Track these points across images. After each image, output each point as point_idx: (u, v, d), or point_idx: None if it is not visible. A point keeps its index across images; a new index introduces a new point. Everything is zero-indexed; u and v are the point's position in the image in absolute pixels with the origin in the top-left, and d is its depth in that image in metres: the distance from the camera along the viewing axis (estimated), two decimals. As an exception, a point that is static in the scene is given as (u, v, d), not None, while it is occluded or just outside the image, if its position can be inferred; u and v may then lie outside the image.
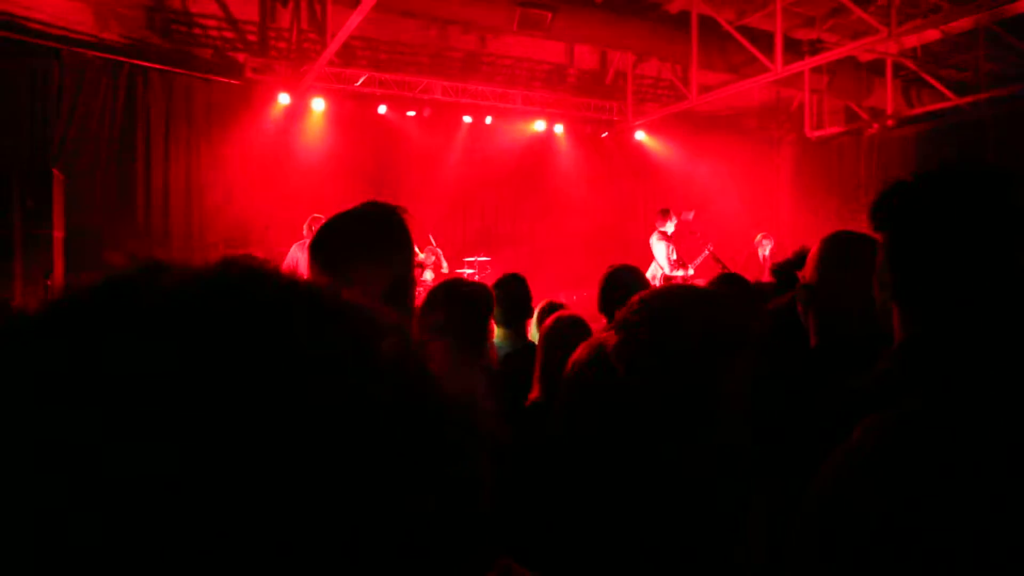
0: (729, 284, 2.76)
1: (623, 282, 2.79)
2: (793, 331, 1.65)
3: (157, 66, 7.93)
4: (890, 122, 10.26)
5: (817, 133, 10.96)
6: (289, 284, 0.38)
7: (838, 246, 1.57)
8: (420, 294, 6.54)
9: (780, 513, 1.08)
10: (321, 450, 0.33)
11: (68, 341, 0.31)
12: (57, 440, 0.28)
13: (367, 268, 1.37)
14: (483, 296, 2.33)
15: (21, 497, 0.27)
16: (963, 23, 8.26)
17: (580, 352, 1.42)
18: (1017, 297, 0.90)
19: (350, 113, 9.22)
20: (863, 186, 10.52)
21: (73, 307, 0.32)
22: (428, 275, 8.36)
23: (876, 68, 10.20)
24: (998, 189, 0.94)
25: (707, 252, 7.65)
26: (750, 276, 3.33)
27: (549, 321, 2.38)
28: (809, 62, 8.22)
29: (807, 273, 1.58)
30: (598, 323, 2.71)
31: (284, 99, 8.63)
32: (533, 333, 3.24)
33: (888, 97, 10.07)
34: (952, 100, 9.65)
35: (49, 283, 6.00)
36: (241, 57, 8.47)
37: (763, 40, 8.12)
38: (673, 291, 1.32)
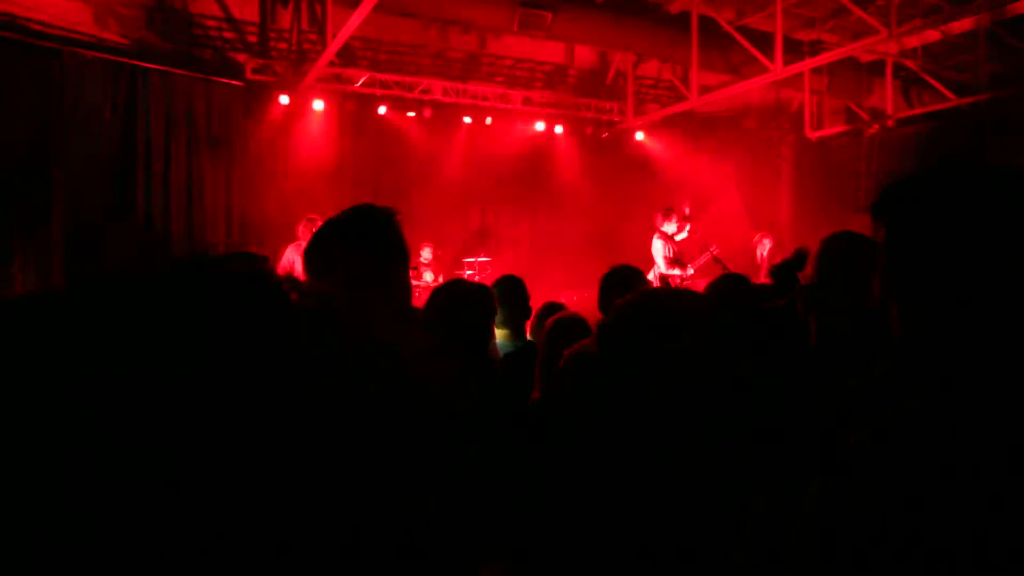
0: (731, 285, 2.76)
1: (623, 282, 2.79)
2: (793, 331, 1.65)
3: (157, 67, 7.93)
4: (890, 123, 10.26)
5: (817, 133, 10.97)
6: (283, 289, 0.38)
7: (838, 247, 1.58)
8: (420, 295, 6.55)
9: (780, 513, 1.08)
10: (320, 448, 0.33)
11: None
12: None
13: (361, 271, 1.38)
14: (485, 297, 2.34)
15: None
16: (963, 24, 8.26)
17: (563, 362, 1.43)
18: (1017, 297, 0.90)
19: (350, 114, 9.22)
20: (863, 187, 10.52)
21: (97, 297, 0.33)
22: (428, 276, 8.37)
23: (876, 69, 10.20)
24: (998, 188, 0.94)
25: (709, 254, 7.65)
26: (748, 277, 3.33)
27: (551, 321, 2.39)
28: (809, 63, 8.22)
29: (808, 273, 1.58)
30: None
31: (284, 100, 8.63)
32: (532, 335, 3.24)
33: (888, 98, 10.07)
34: (952, 101, 9.65)
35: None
36: (241, 57, 8.48)
37: (763, 41, 8.12)
38: (650, 297, 1.32)
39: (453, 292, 2.30)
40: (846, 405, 1.20)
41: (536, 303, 3.20)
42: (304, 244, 5.71)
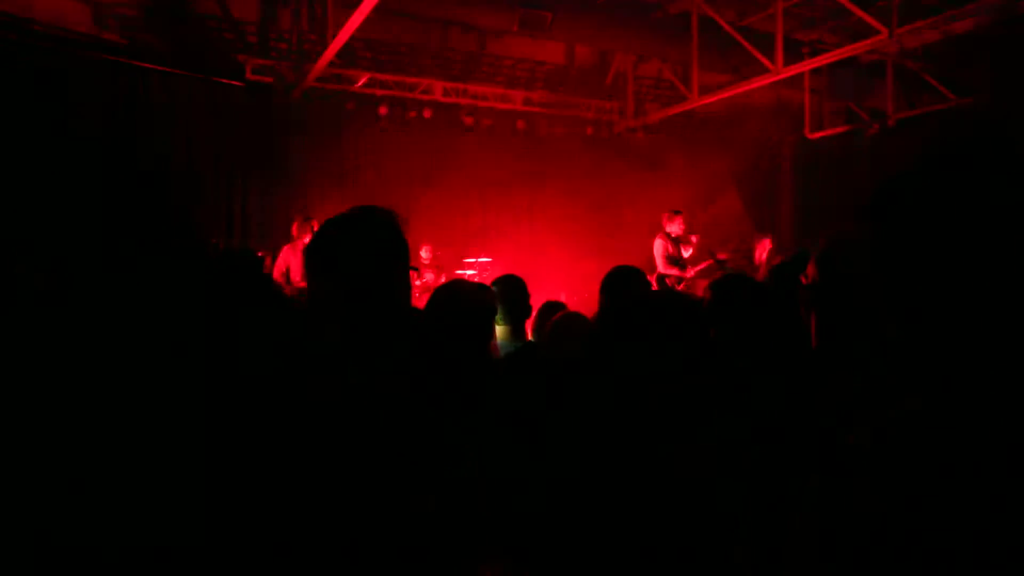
0: (732, 285, 2.76)
1: (624, 282, 2.79)
2: (794, 332, 1.65)
3: (157, 67, 7.93)
4: (891, 123, 10.27)
5: (817, 134, 10.97)
6: None
7: (840, 247, 1.58)
8: (421, 296, 6.56)
9: (780, 513, 1.08)
10: (319, 447, 0.34)
11: None
12: None
13: (361, 271, 1.39)
14: (485, 297, 2.34)
15: None
16: (964, 24, 8.26)
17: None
18: (1011, 295, 0.90)
19: (350, 114, 9.23)
20: (863, 187, 10.52)
21: None
22: (428, 276, 8.38)
23: (877, 69, 10.20)
24: (992, 184, 0.93)
25: (711, 259, 7.72)
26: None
27: (552, 321, 2.39)
28: (809, 63, 8.22)
29: (810, 273, 1.58)
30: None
31: (284, 100, 8.63)
32: (533, 334, 3.24)
33: (888, 98, 10.07)
34: (953, 101, 9.65)
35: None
36: (241, 58, 8.48)
37: (764, 41, 8.13)
38: (645, 301, 1.32)
39: (453, 292, 2.31)
40: (846, 405, 1.20)
41: (537, 303, 3.20)
42: (299, 244, 5.70)
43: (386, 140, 9.54)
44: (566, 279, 9.77)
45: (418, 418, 1.23)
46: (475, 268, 9.27)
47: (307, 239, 7.12)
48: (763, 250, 8.72)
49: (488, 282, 2.85)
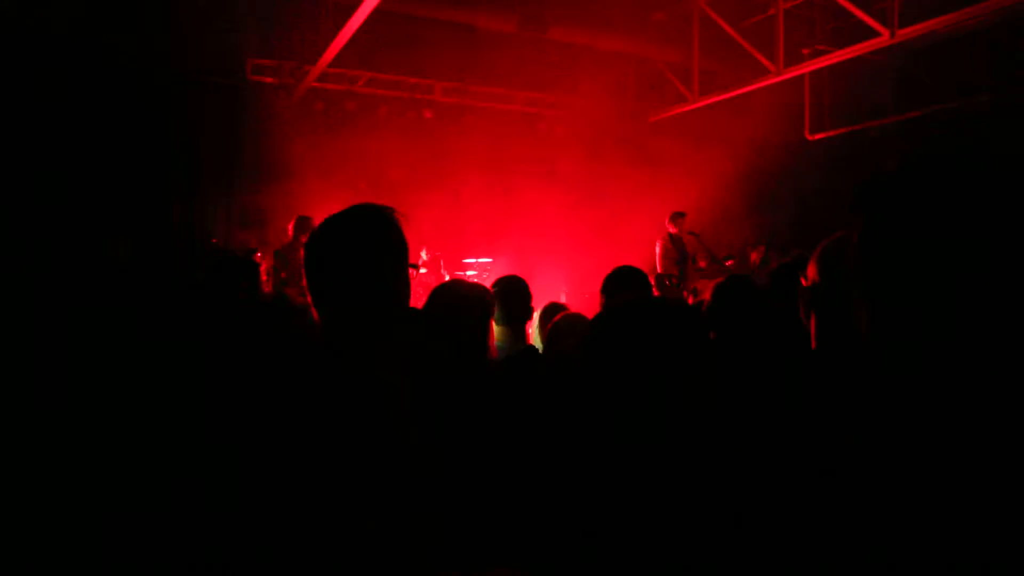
0: (733, 287, 2.76)
1: (625, 283, 2.79)
2: (795, 333, 1.66)
3: (157, 66, 7.93)
4: (891, 124, 10.27)
5: (817, 135, 10.97)
6: None
7: (840, 248, 1.58)
8: (421, 296, 6.54)
9: (781, 512, 1.08)
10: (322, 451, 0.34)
11: None
12: None
13: (361, 270, 1.38)
14: (482, 297, 2.34)
15: None
16: (964, 25, 8.26)
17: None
18: (996, 294, 0.90)
19: (351, 114, 9.23)
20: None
21: None
22: (428, 277, 8.38)
23: (877, 69, 10.19)
24: (978, 184, 0.93)
25: (713, 260, 7.76)
26: None
27: (554, 321, 2.39)
28: (810, 64, 8.23)
29: (809, 275, 1.58)
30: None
31: (285, 99, 8.63)
32: (534, 336, 3.23)
33: (889, 98, 10.07)
34: (954, 102, 9.66)
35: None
36: (242, 57, 8.48)
37: (764, 42, 8.14)
38: (635, 306, 1.32)
39: (450, 292, 2.31)
40: (845, 405, 1.20)
41: (538, 303, 3.20)
42: (296, 243, 5.67)
43: (386, 140, 9.54)
44: (567, 279, 9.77)
45: (409, 415, 1.23)
46: (475, 268, 9.27)
47: (305, 239, 7.10)
48: (759, 254, 8.74)
49: (490, 282, 2.86)
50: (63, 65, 7.28)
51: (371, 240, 1.41)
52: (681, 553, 1.15)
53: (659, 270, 7.86)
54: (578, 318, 2.43)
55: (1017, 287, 0.87)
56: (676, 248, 7.95)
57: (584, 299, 8.98)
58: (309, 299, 1.40)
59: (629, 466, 1.22)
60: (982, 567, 0.73)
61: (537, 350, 2.94)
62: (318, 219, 7.14)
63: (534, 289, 3.11)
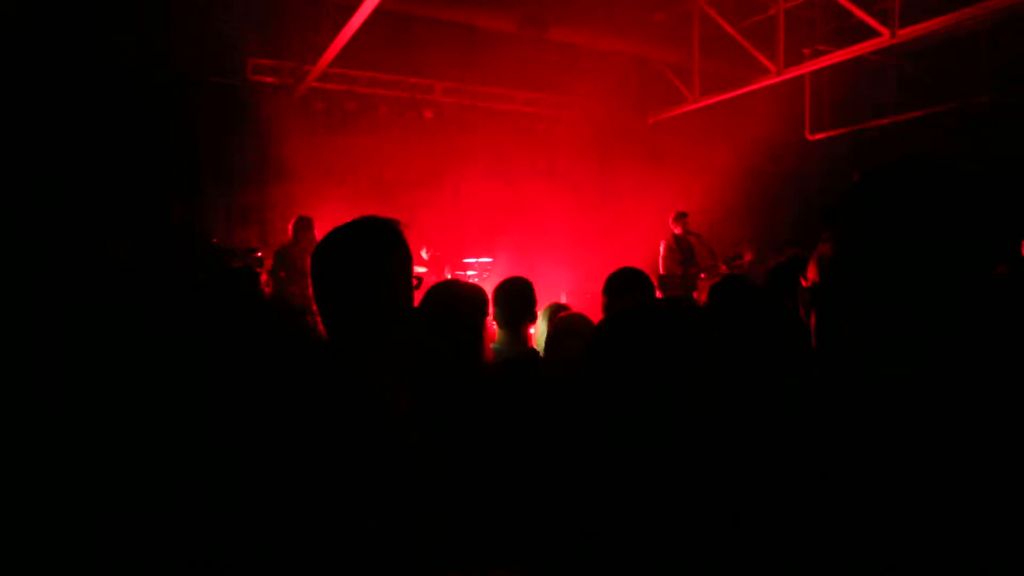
0: (731, 287, 2.76)
1: (627, 284, 2.79)
2: (795, 334, 1.65)
3: (158, 66, 7.93)
4: (891, 125, 10.27)
5: (818, 136, 10.97)
6: None
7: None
8: (417, 295, 6.53)
9: (782, 512, 1.08)
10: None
11: None
12: None
13: (366, 283, 1.41)
14: (477, 298, 2.34)
15: None
16: (965, 26, 8.26)
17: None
18: (981, 297, 0.90)
19: (351, 114, 9.23)
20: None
21: None
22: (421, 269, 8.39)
23: (877, 70, 10.20)
24: (956, 188, 0.93)
25: (715, 261, 7.76)
26: None
27: (555, 321, 2.39)
28: (810, 65, 8.23)
29: (809, 275, 1.58)
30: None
31: (285, 100, 8.63)
32: (539, 338, 3.23)
33: (889, 99, 10.06)
34: (954, 102, 9.66)
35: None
36: (242, 57, 8.48)
37: (765, 43, 8.13)
38: (641, 311, 1.32)
39: (445, 292, 2.30)
40: (844, 405, 1.20)
41: (538, 303, 3.19)
42: (296, 244, 5.69)
43: (386, 140, 9.54)
44: (568, 279, 9.77)
45: (409, 415, 1.24)
46: (475, 268, 9.27)
47: (305, 239, 7.11)
48: (751, 254, 8.74)
49: (490, 283, 2.86)
50: (63, 64, 7.28)
51: (377, 254, 1.45)
52: (681, 553, 1.15)
53: (662, 271, 7.86)
54: (580, 319, 2.42)
55: (1005, 283, 0.87)
56: (680, 249, 7.95)
57: (585, 299, 8.98)
58: (313, 304, 1.43)
59: (629, 467, 1.22)
60: (981, 566, 0.73)
61: (537, 353, 2.93)
62: (318, 219, 7.12)
63: (535, 289, 3.10)
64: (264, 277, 6.77)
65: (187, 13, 8.19)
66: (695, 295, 7.72)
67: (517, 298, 2.97)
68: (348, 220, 1.50)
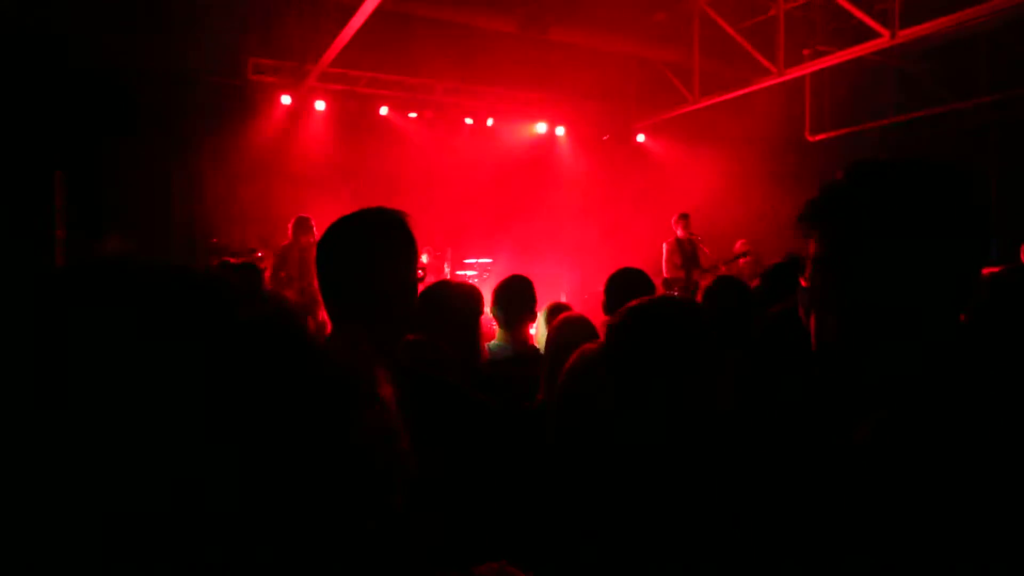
0: (726, 287, 2.76)
1: (629, 285, 2.79)
2: (795, 334, 1.65)
3: (158, 65, 7.93)
4: (891, 126, 10.27)
5: (818, 137, 10.97)
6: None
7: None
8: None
9: (783, 512, 1.08)
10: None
11: None
12: None
13: (374, 272, 1.41)
14: (471, 298, 2.34)
15: None
16: (966, 27, 8.26)
17: (572, 361, 1.44)
18: (954, 303, 0.90)
19: (352, 114, 9.23)
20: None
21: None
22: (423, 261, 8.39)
23: (878, 71, 10.20)
24: (937, 187, 0.92)
25: (717, 263, 7.75)
26: None
27: (556, 321, 2.39)
28: (811, 65, 8.23)
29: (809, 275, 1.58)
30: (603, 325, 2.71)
31: (286, 100, 8.64)
32: (540, 338, 3.23)
33: (889, 100, 10.06)
34: (954, 104, 9.66)
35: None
36: (243, 57, 8.48)
37: (765, 44, 8.13)
38: (656, 304, 1.33)
39: (440, 292, 2.31)
40: (845, 405, 1.20)
41: (538, 303, 3.19)
42: (296, 243, 5.69)
43: (386, 140, 9.54)
44: (568, 279, 9.77)
45: (408, 415, 1.24)
46: (475, 268, 9.27)
47: (304, 239, 7.11)
48: (748, 257, 8.73)
49: (490, 283, 2.86)
50: (63, 64, 7.28)
51: (383, 242, 1.45)
52: (681, 553, 1.15)
53: (665, 274, 7.83)
54: (580, 319, 2.42)
55: (1005, 283, 0.87)
56: (680, 252, 7.94)
57: (585, 300, 8.98)
58: (313, 303, 1.44)
59: (629, 467, 1.22)
60: (981, 567, 0.73)
61: (537, 350, 2.93)
62: (318, 219, 7.09)
63: (535, 288, 3.10)
64: (267, 275, 6.77)
65: (188, 13, 8.19)
66: (698, 297, 7.69)
67: (517, 296, 2.97)
68: (342, 217, 1.50)
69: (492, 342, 3.04)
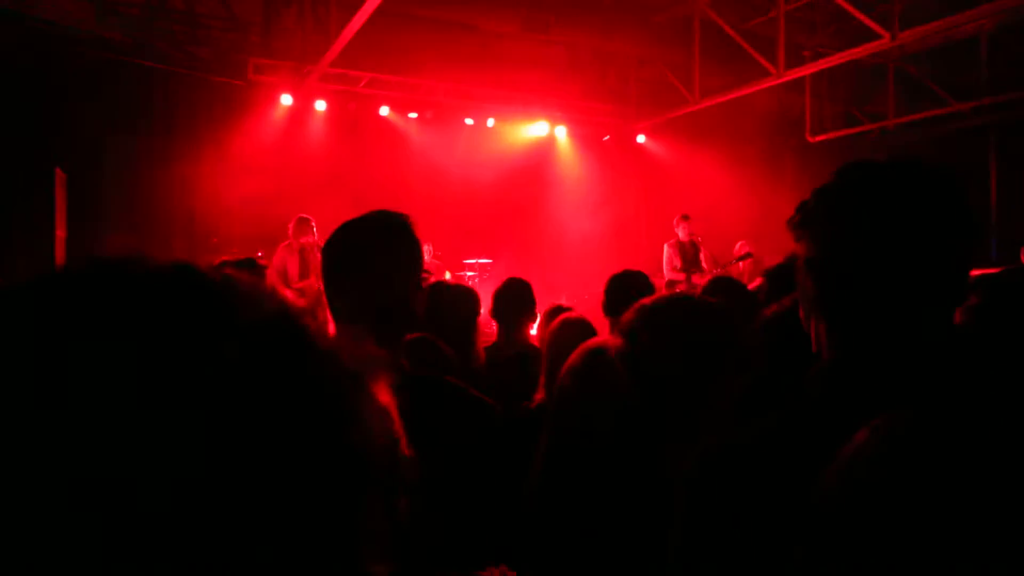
0: (723, 287, 2.77)
1: (629, 286, 2.79)
2: (794, 335, 1.65)
3: (159, 65, 7.94)
4: (891, 127, 10.27)
5: (818, 138, 10.97)
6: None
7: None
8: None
9: (779, 510, 1.08)
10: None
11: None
12: None
13: (378, 274, 1.43)
14: (467, 299, 2.34)
15: None
16: (966, 28, 8.27)
17: (574, 358, 1.44)
18: (945, 309, 0.90)
19: (352, 114, 9.23)
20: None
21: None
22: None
23: (878, 72, 10.21)
24: (927, 189, 0.92)
25: (718, 265, 7.74)
26: None
27: (557, 321, 2.39)
28: (811, 67, 8.23)
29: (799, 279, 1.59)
30: (602, 325, 2.71)
31: (286, 100, 8.64)
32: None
33: (890, 102, 10.07)
34: (954, 106, 9.66)
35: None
36: (244, 57, 8.49)
37: (765, 44, 8.14)
38: (675, 300, 1.33)
39: (436, 293, 2.31)
40: (846, 409, 1.20)
41: (537, 305, 3.20)
42: (296, 243, 5.67)
43: (387, 140, 9.54)
44: (568, 282, 9.77)
45: (407, 415, 1.24)
46: (475, 269, 9.27)
47: (304, 239, 7.10)
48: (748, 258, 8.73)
49: (489, 283, 2.87)
50: (62, 62, 7.28)
51: (388, 245, 1.47)
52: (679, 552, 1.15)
53: (666, 276, 7.82)
54: (579, 320, 2.43)
55: (1006, 283, 0.88)
56: (681, 254, 7.93)
57: (585, 300, 8.97)
58: (321, 298, 1.45)
59: (629, 465, 1.22)
60: (981, 567, 0.73)
61: (538, 350, 2.93)
62: (318, 219, 7.08)
63: (534, 290, 3.11)
64: (268, 274, 6.76)
65: (188, 12, 8.20)
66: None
67: (516, 298, 2.98)
68: (348, 221, 1.51)
69: (492, 343, 3.04)
